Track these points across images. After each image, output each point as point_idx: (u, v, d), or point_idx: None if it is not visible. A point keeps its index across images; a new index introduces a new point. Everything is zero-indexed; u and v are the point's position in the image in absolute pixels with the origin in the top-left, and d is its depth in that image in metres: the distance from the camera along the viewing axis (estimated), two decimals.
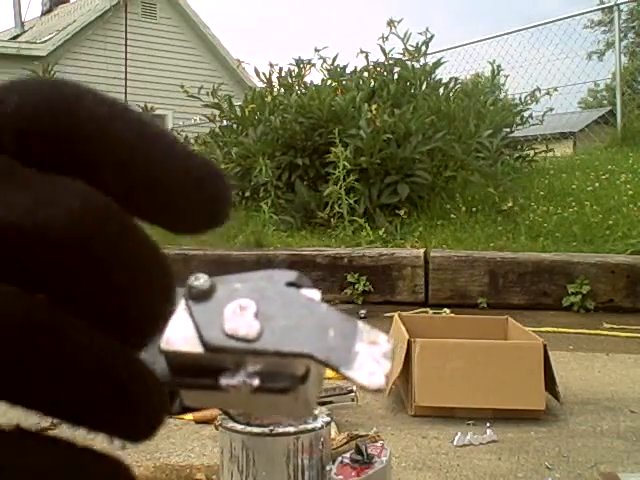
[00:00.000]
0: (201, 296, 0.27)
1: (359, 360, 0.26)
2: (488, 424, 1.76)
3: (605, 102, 15.84)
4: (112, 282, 0.21)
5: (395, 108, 5.11)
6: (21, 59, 11.63)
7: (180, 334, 0.27)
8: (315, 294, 0.29)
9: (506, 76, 7.14)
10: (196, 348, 0.27)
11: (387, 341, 0.27)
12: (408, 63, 5.76)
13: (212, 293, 0.28)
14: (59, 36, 13.34)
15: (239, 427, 1.21)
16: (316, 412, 1.28)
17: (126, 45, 12.37)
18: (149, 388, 0.24)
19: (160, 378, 0.27)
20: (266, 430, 1.20)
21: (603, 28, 15.93)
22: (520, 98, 6.14)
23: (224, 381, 0.26)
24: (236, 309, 0.27)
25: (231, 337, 0.26)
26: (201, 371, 0.27)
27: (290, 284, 0.28)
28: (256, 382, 0.26)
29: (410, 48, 5.76)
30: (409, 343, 1.92)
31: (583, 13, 8.09)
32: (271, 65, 6.10)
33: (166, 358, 0.27)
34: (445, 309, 3.49)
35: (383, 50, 5.78)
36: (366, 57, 5.87)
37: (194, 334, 0.27)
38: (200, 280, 0.27)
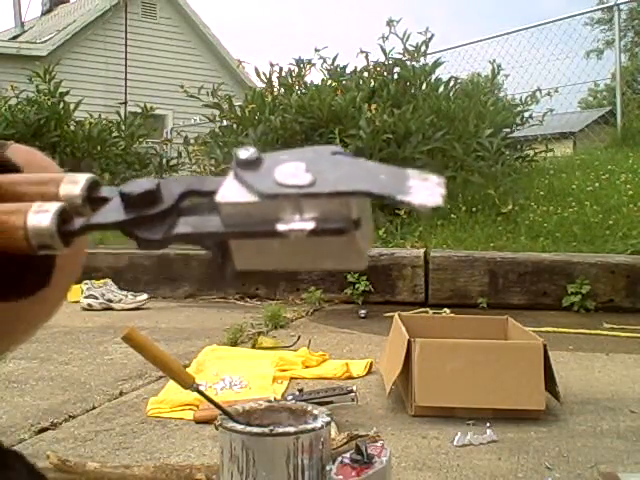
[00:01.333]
0: (249, 164, 0.29)
1: (413, 190, 0.28)
2: (488, 424, 1.76)
3: (605, 102, 15.83)
4: None
5: (395, 108, 5.10)
6: (21, 59, 11.63)
7: (234, 190, 0.29)
8: (362, 159, 0.30)
9: (506, 76, 7.14)
10: (251, 198, 0.28)
11: (437, 176, 0.28)
12: (408, 63, 5.75)
13: (260, 162, 0.29)
14: (59, 36, 13.34)
15: (239, 427, 1.21)
16: (316, 412, 1.28)
17: (126, 45, 12.38)
18: None
19: (215, 232, 0.29)
20: (266, 430, 1.20)
21: (602, 27, 15.91)
22: (520, 98, 6.14)
23: (280, 226, 0.27)
24: (286, 168, 0.28)
25: (284, 185, 0.28)
26: (257, 221, 0.28)
27: (335, 153, 0.30)
28: (311, 225, 0.27)
29: (410, 48, 5.76)
30: (409, 343, 1.92)
31: (583, 13, 8.09)
32: (271, 65, 6.10)
33: (221, 213, 0.29)
34: (445, 309, 3.49)
35: (383, 50, 5.78)
36: (366, 57, 5.86)
37: (248, 189, 0.28)
38: (248, 151, 0.29)
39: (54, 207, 0.29)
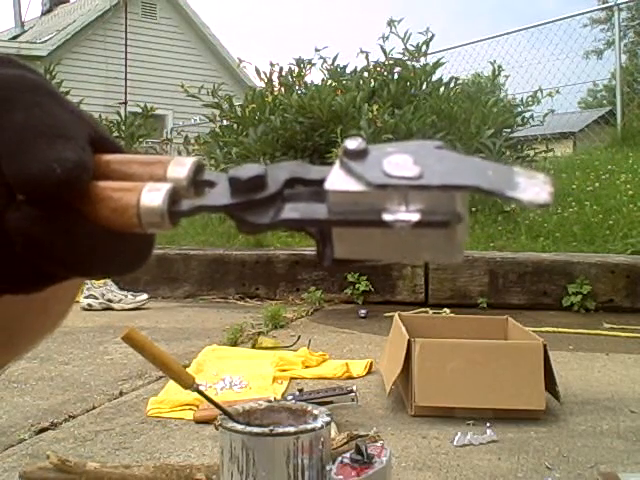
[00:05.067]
0: (357, 155, 0.29)
1: (522, 187, 0.27)
2: (488, 424, 1.76)
3: (605, 102, 15.82)
4: None
5: (395, 108, 5.10)
6: (21, 59, 11.55)
7: (342, 179, 0.29)
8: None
9: (506, 76, 7.13)
10: (360, 187, 0.28)
11: (544, 175, 0.28)
12: (408, 63, 5.75)
13: (367, 153, 0.29)
14: (59, 36, 13.33)
15: (239, 427, 1.21)
16: (316, 412, 1.28)
17: (126, 45, 12.37)
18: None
19: (321, 219, 0.29)
20: (266, 430, 1.20)
21: (602, 26, 15.89)
22: (521, 99, 6.13)
23: (387, 216, 0.28)
24: (393, 160, 0.29)
25: (392, 177, 0.28)
26: (363, 210, 0.28)
27: (439, 147, 0.30)
28: (417, 217, 0.28)
29: (410, 48, 5.76)
30: (409, 343, 1.92)
31: (583, 13, 8.09)
32: (271, 65, 6.10)
33: (329, 200, 0.29)
34: (445, 309, 3.49)
35: (383, 50, 5.78)
36: (366, 57, 5.86)
37: (355, 179, 0.29)
38: (356, 142, 0.29)
39: (165, 187, 0.30)
